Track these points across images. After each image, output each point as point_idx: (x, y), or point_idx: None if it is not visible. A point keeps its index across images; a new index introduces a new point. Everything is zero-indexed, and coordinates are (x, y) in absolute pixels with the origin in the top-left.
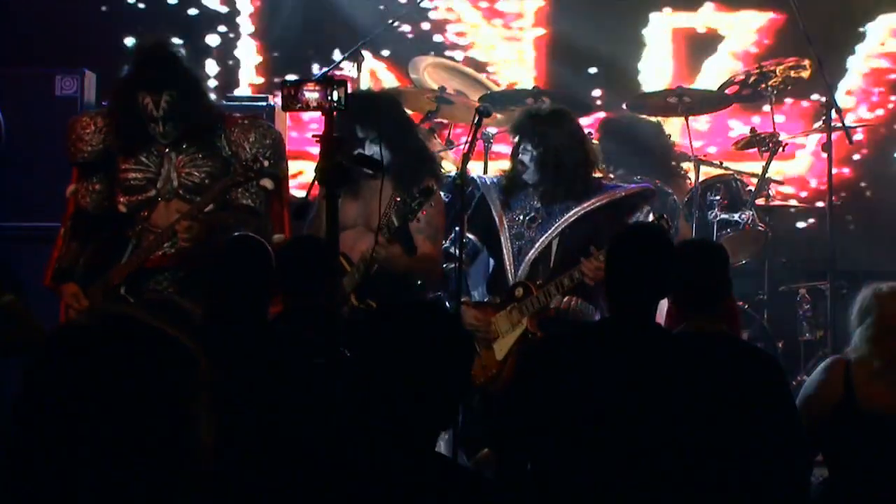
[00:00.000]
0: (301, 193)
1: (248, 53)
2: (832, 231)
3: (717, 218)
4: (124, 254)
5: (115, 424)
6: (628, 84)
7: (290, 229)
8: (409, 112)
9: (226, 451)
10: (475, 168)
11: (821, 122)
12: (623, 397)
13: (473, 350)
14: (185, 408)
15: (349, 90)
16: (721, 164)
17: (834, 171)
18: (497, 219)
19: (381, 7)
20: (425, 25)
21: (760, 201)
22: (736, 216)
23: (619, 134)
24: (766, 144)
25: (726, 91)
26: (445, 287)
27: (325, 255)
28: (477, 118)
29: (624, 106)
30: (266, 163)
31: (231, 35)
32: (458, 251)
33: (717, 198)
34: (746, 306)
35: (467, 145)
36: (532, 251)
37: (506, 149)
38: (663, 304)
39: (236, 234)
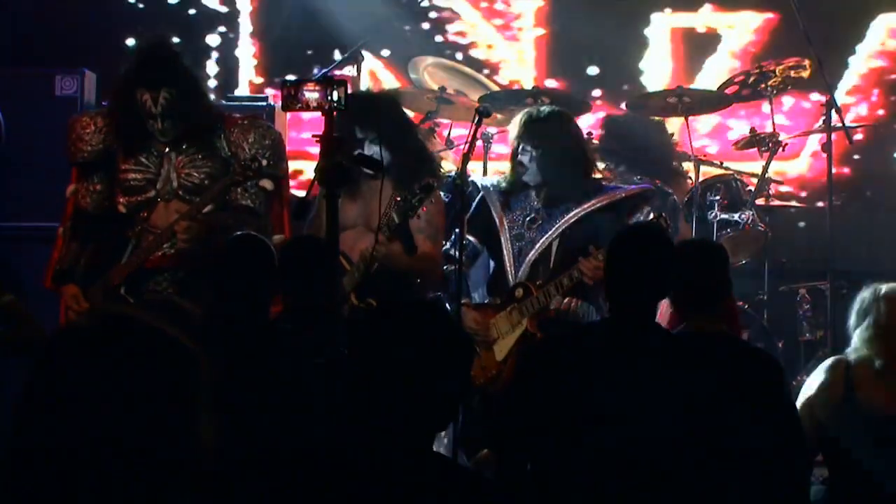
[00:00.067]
0: (301, 193)
1: (248, 53)
2: (832, 231)
3: (717, 218)
4: (124, 254)
5: (116, 425)
6: (628, 84)
7: (290, 229)
8: (409, 112)
9: (226, 451)
10: (475, 168)
11: (821, 122)
12: (623, 397)
13: (473, 350)
14: (185, 408)
15: (349, 90)
16: (721, 164)
17: (834, 170)
18: (497, 220)
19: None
20: (425, 25)
21: (760, 201)
22: (736, 216)
23: (620, 133)
24: (765, 144)
25: (726, 91)
26: (446, 289)
27: (325, 255)
28: (477, 118)
29: (624, 106)
30: (265, 163)
31: (231, 35)
32: (458, 253)
33: (717, 198)
34: (746, 306)
35: (467, 145)
36: (532, 252)
37: (506, 149)
38: (663, 305)
39: (238, 233)
